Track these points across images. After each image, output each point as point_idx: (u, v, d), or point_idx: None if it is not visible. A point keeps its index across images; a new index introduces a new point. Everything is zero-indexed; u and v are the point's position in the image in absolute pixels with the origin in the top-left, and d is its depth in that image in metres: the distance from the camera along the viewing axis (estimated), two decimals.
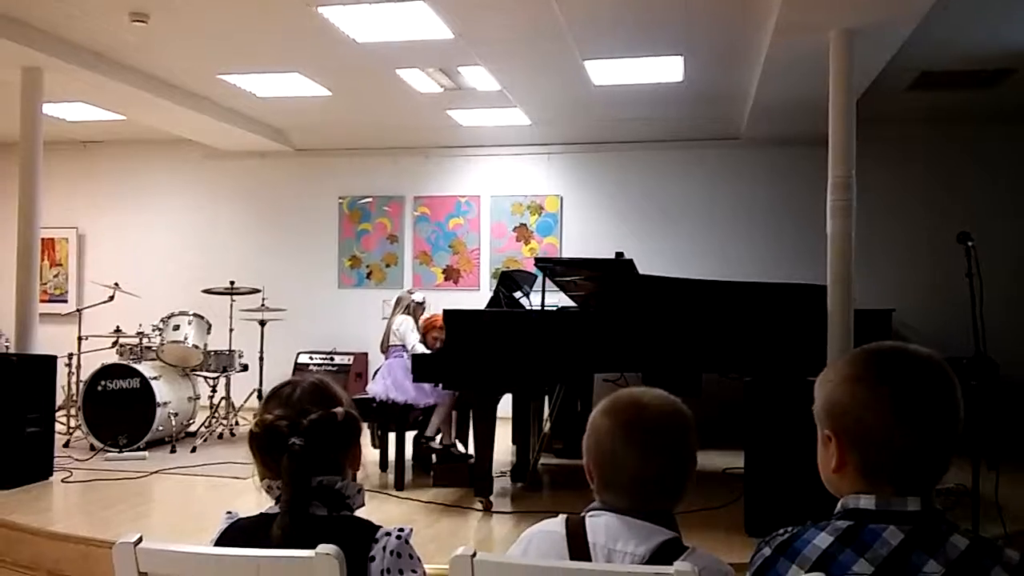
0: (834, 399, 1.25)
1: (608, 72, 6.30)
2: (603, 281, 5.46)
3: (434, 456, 5.61)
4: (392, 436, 5.48)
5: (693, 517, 4.53)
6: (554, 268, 5.67)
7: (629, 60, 6.03)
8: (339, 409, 1.57)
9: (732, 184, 8.23)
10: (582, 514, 1.52)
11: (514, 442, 5.99)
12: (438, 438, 5.72)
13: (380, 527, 1.53)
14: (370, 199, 8.96)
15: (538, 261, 5.42)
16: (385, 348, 5.83)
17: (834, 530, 1.20)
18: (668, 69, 6.22)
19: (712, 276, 6.24)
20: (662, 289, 5.06)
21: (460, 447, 5.79)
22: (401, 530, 1.52)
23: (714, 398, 5.80)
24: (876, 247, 7.26)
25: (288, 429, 1.51)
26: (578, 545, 1.45)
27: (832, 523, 1.21)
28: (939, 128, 7.70)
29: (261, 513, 1.56)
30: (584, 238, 8.40)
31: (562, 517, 1.53)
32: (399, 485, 5.24)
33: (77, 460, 5.90)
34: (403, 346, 5.68)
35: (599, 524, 1.47)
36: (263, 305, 7.23)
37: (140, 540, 1.43)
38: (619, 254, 5.25)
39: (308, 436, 1.51)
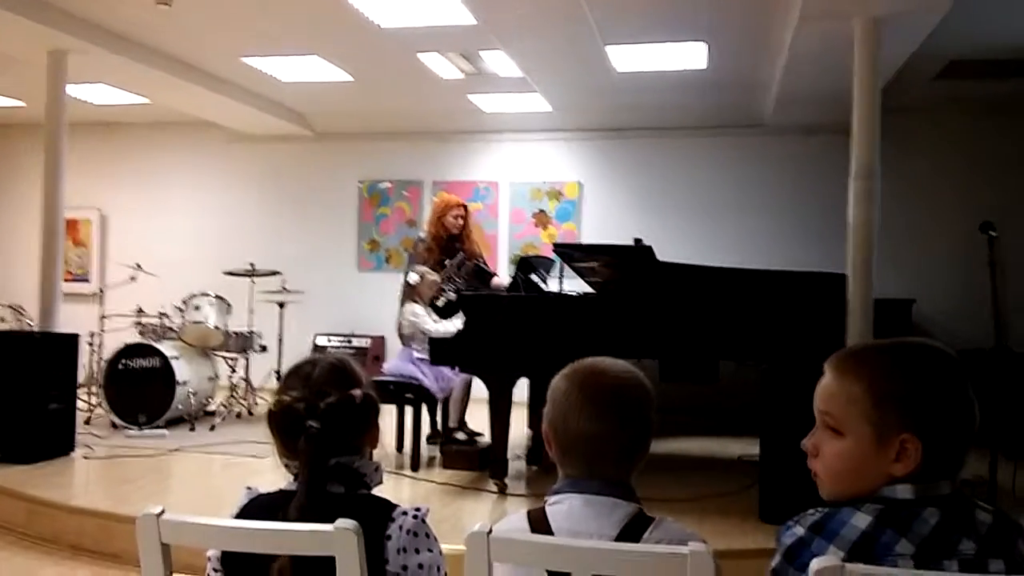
0: (924, 402, 1.21)
1: (630, 58, 6.26)
2: (621, 268, 5.44)
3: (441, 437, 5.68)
4: (408, 417, 5.51)
5: (708, 503, 4.56)
6: (572, 254, 5.67)
7: (652, 46, 5.99)
8: (357, 391, 1.57)
9: (756, 172, 8.17)
10: (543, 501, 1.51)
11: (530, 426, 6.01)
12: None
13: (397, 506, 1.53)
14: (389, 184, 8.97)
15: (556, 247, 5.42)
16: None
17: (871, 510, 1.20)
18: (691, 55, 6.18)
19: (733, 264, 6.21)
20: (680, 276, 5.04)
21: (463, 431, 5.81)
22: (418, 509, 1.52)
23: (731, 385, 5.80)
24: (898, 236, 7.19)
25: (306, 411, 1.52)
26: (542, 534, 1.44)
27: (868, 504, 1.21)
28: (966, 118, 7.60)
29: (280, 489, 1.58)
30: (603, 225, 8.38)
31: (523, 511, 1.52)
32: (415, 466, 5.28)
33: (98, 437, 5.98)
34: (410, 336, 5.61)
35: (560, 510, 1.47)
36: (283, 287, 7.28)
37: (163, 512, 1.45)
38: (638, 240, 5.23)
39: (325, 419, 1.51)
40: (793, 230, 7.96)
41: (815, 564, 1.12)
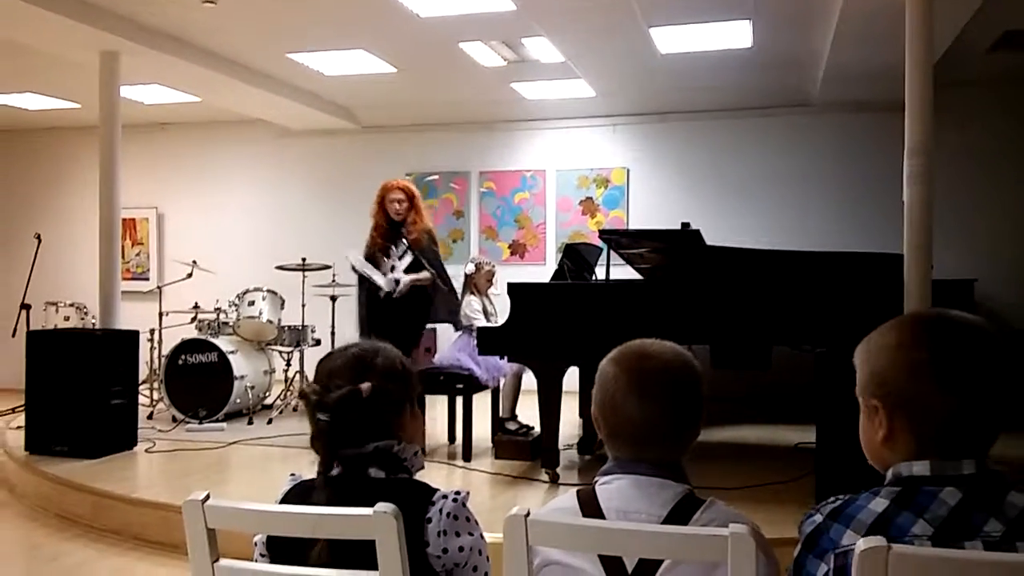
0: (877, 368, 1.24)
1: (674, 39, 6.17)
2: (669, 253, 5.38)
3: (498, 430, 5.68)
4: (460, 407, 5.54)
5: (764, 491, 4.49)
6: (619, 240, 5.62)
7: (695, 26, 5.89)
8: (365, 385, 1.56)
9: (805, 152, 8.01)
10: (593, 482, 1.51)
11: (581, 415, 5.99)
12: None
13: (437, 490, 1.54)
14: (436, 175, 9.01)
15: (603, 233, 5.37)
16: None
17: (889, 493, 1.17)
18: (736, 34, 6.07)
19: (785, 247, 6.10)
20: (730, 260, 4.97)
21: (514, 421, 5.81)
22: (458, 493, 1.53)
23: (785, 371, 5.70)
24: (957, 215, 6.99)
25: (316, 406, 1.55)
26: (592, 513, 1.44)
27: (886, 488, 1.19)
28: (1022, 90, 7.34)
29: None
30: (652, 211, 8.30)
31: (573, 491, 1.52)
32: (467, 456, 5.30)
33: (160, 431, 6.14)
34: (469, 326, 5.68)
35: (611, 489, 1.46)
36: (334, 281, 7.35)
37: (208, 497, 1.48)
38: (685, 225, 5.17)
39: (334, 412, 1.54)
40: (844, 210, 7.78)
41: (861, 544, 1.09)
